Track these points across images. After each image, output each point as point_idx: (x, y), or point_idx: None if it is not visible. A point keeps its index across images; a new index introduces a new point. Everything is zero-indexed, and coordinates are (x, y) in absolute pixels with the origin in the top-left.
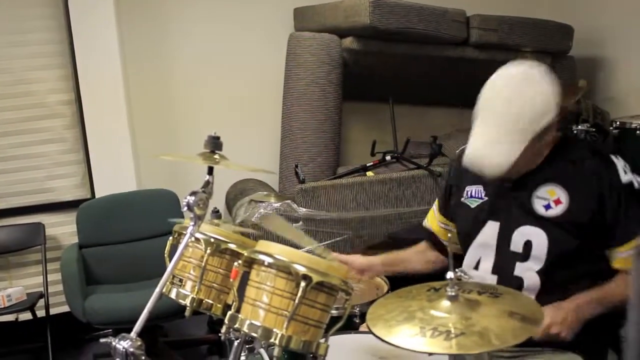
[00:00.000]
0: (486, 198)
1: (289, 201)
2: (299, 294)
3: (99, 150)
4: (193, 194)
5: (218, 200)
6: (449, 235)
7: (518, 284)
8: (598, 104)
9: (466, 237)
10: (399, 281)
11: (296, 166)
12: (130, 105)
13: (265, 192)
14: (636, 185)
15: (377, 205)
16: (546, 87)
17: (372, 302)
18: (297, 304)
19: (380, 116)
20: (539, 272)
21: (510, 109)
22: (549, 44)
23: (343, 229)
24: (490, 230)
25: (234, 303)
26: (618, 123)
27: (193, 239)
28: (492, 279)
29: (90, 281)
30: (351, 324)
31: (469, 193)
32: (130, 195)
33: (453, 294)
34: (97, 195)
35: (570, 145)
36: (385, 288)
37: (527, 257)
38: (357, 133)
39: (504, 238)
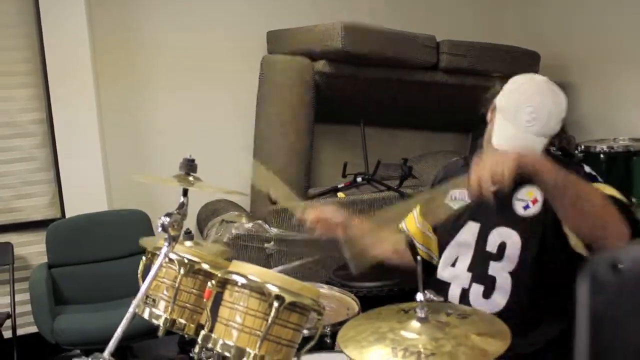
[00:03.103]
0: (469, 201)
1: (260, 221)
2: (272, 314)
3: (69, 169)
4: (168, 215)
5: (189, 221)
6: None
7: (491, 282)
8: (562, 128)
9: (445, 236)
10: (369, 301)
11: None
12: (102, 125)
13: (237, 213)
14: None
15: None
16: (563, 98)
17: (343, 322)
18: (269, 324)
19: (352, 138)
20: (511, 274)
21: (541, 109)
22: (518, 70)
23: (314, 249)
24: (470, 231)
25: (207, 323)
26: (583, 147)
27: (167, 259)
28: (467, 276)
29: (59, 301)
30: (322, 343)
31: (452, 196)
32: (100, 216)
33: (423, 315)
34: (67, 215)
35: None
36: (356, 308)
37: (501, 258)
38: (328, 155)
39: (481, 238)
